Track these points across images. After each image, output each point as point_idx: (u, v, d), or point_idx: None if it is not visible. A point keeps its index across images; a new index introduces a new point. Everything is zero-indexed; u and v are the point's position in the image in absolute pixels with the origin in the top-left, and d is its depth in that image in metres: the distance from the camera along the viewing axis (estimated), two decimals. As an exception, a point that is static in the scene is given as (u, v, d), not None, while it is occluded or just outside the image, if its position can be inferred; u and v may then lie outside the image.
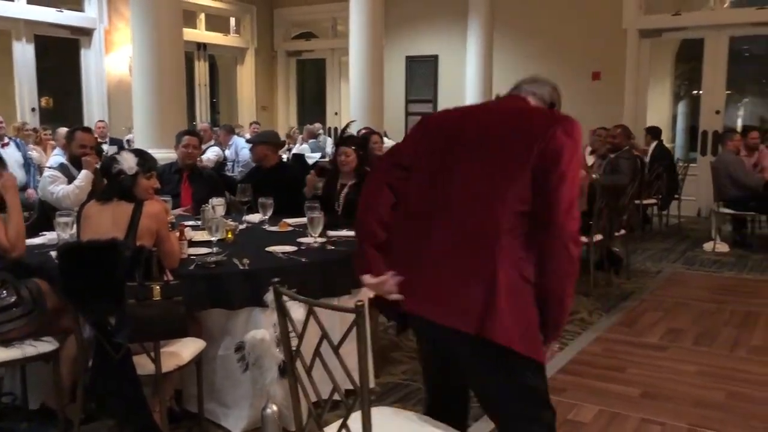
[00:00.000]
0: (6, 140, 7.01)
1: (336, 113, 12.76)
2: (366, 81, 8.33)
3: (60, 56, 10.59)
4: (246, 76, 12.76)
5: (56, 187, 4.27)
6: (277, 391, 2.84)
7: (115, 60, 10.08)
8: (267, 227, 4.04)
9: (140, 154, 3.05)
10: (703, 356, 4.15)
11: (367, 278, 2.02)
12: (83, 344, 2.60)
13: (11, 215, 2.87)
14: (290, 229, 3.98)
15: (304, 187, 4.67)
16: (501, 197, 1.85)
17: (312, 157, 8.92)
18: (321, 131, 10.92)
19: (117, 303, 2.39)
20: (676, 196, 8.50)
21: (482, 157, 1.91)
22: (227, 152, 8.93)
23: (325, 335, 1.82)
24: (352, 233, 3.84)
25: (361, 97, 8.37)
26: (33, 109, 9.23)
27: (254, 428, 3.05)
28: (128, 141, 8.49)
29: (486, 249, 1.84)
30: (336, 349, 1.82)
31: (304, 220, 3.74)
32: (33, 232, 3.69)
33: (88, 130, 4.77)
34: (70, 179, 4.35)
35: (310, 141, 10.30)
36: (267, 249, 3.39)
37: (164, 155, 5.37)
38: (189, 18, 11.11)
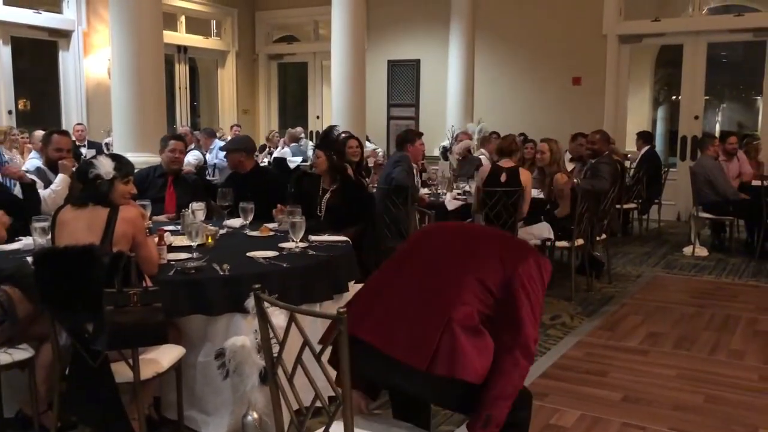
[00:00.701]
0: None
1: (318, 117, 12.72)
2: (348, 85, 8.31)
3: (38, 58, 10.45)
4: (227, 79, 12.68)
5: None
6: (258, 398, 2.81)
7: (93, 62, 9.96)
8: (248, 232, 4.00)
9: (117, 158, 3.01)
10: (683, 360, 4.17)
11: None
12: (59, 351, 2.55)
13: None
14: (271, 233, 3.95)
15: (284, 191, 4.65)
16: (465, 285, 2.07)
17: (293, 161, 8.89)
18: (303, 135, 10.88)
19: (94, 310, 2.35)
20: (656, 201, 8.57)
21: (458, 253, 2.19)
22: (208, 156, 8.86)
23: (307, 342, 1.80)
24: (333, 238, 3.83)
25: (343, 101, 8.34)
26: (10, 112, 9.09)
27: (235, 436, 3.02)
28: (107, 144, 8.40)
29: (442, 306, 2.03)
30: (318, 356, 1.80)
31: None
32: (9, 237, 3.62)
33: (64, 133, 4.70)
34: (47, 183, 4.28)
35: (292, 145, 10.25)
36: (248, 254, 3.36)
37: (143, 159, 5.32)
38: (169, 20, 11.02)
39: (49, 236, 3.00)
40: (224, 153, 5.27)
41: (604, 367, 4.03)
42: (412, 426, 2.20)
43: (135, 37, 5.60)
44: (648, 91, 11.82)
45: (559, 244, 5.51)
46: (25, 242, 3.50)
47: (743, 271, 6.57)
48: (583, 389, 3.69)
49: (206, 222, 4.03)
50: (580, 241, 5.53)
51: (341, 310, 1.75)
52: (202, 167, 8.11)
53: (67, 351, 2.55)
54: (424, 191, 6.19)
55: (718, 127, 12.09)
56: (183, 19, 11.70)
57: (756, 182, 6.93)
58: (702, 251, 7.30)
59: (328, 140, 4.59)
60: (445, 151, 9.06)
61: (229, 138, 9.21)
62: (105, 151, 8.10)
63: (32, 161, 5.34)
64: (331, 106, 8.83)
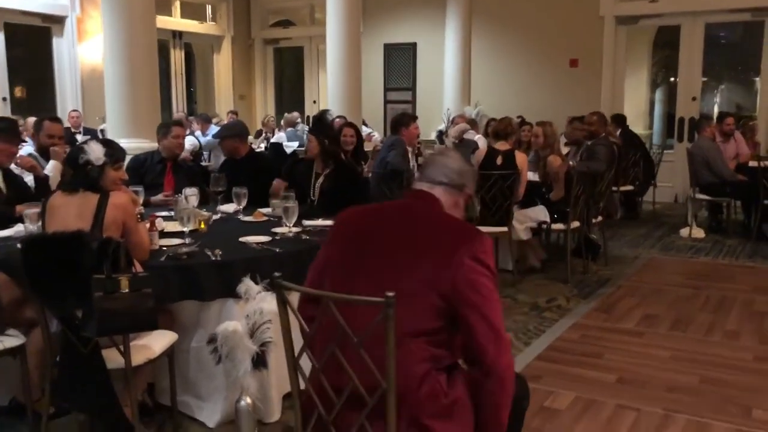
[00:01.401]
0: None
1: (314, 102, 12.66)
2: (344, 69, 8.25)
3: (31, 45, 10.37)
4: (223, 64, 12.60)
5: (24, 178, 4.18)
6: (250, 383, 2.81)
7: (88, 48, 9.89)
8: (241, 217, 3.99)
9: (108, 144, 2.99)
10: (678, 341, 4.18)
11: None
12: (50, 338, 2.55)
13: None
14: (265, 218, 3.93)
15: (279, 176, 4.63)
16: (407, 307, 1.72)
17: (290, 146, 8.84)
18: (299, 120, 10.83)
19: (83, 296, 2.33)
20: (653, 182, 8.55)
21: (391, 266, 1.81)
22: (203, 140, 8.83)
23: (346, 330, 1.70)
24: (327, 222, 3.82)
25: (339, 86, 8.29)
26: (4, 99, 9.05)
27: (229, 421, 3.02)
28: (102, 131, 8.36)
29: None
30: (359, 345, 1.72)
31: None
32: (5, 224, 3.61)
33: (57, 120, 4.68)
34: (39, 170, 4.25)
35: (288, 130, 10.21)
36: (240, 239, 3.35)
37: (137, 145, 5.30)
38: (163, 5, 10.94)
39: (40, 223, 2.98)
40: (218, 140, 5.25)
41: (599, 349, 4.04)
42: None
43: (127, 24, 5.55)
44: (645, 72, 11.75)
45: (555, 226, 5.50)
46: (16, 229, 3.48)
47: (740, 253, 6.57)
48: (577, 371, 3.69)
49: (201, 207, 4.01)
50: (576, 224, 5.52)
51: (390, 294, 1.62)
52: (197, 153, 8.08)
53: (58, 337, 2.54)
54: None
55: (716, 109, 12.02)
56: (177, 3, 11.62)
57: (753, 163, 6.91)
58: (699, 233, 7.29)
59: (321, 124, 4.57)
60: (441, 135, 9.02)
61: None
62: (100, 137, 8.06)
63: (25, 148, 5.32)
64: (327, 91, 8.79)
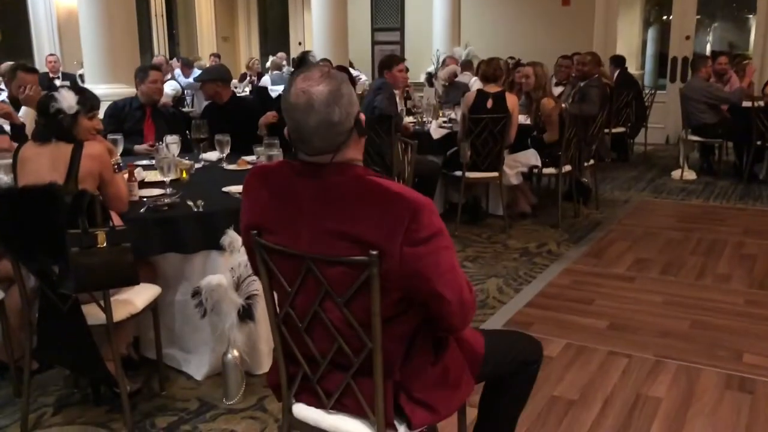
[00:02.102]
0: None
1: (300, 43, 12.37)
2: (329, 8, 7.98)
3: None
4: (205, 5, 12.23)
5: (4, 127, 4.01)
6: (237, 336, 2.75)
7: (63, -10, 9.55)
8: (225, 166, 3.87)
9: (81, 91, 2.83)
10: (670, 286, 4.15)
11: None
12: (26, 295, 2.46)
13: None
14: (249, 167, 3.81)
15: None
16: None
17: (275, 90, 8.63)
18: (285, 63, 10.56)
19: (58, 252, 2.24)
20: (644, 124, 8.44)
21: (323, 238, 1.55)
22: (183, 83, 8.60)
23: (328, 290, 1.61)
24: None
25: (325, 26, 8.04)
26: (-22, 44, 8.74)
27: (217, 373, 2.98)
28: (81, 76, 8.12)
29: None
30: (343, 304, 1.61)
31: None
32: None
33: (32, 70, 4.42)
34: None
35: (274, 73, 9.96)
36: (224, 189, 3.24)
37: (116, 91, 5.13)
38: (141, -57, 10.51)
39: (12, 175, 2.85)
40: (199, 84, 5.06)
41: (590, 294, 4.01)
42: None
43: (101, -40, 5.29)
44: (638, 11, 11.48)
45: (546, 171, 5.41)
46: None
47: (731, 194, 6.53)
48: (569, 318, 3.67)
49: (182, 156, 3.88)
50: (567, 168, 5.43)
51: (373, 253, 1.47)
52: (180, 98, 7.87)
53: (35, 294, 2.46)
54: (408, 119, 6.01)
55: (708, 48, 11.80)
56: (155, -59, 11.18)
57: (746, 103, 6.81)
58: (690, 175, 7.24)
59: (303, 66, 4.40)
60: (431, 77, 8.80)
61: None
62: (79, 83, 7.82)
63: (0, 95, 5.13)
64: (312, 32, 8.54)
